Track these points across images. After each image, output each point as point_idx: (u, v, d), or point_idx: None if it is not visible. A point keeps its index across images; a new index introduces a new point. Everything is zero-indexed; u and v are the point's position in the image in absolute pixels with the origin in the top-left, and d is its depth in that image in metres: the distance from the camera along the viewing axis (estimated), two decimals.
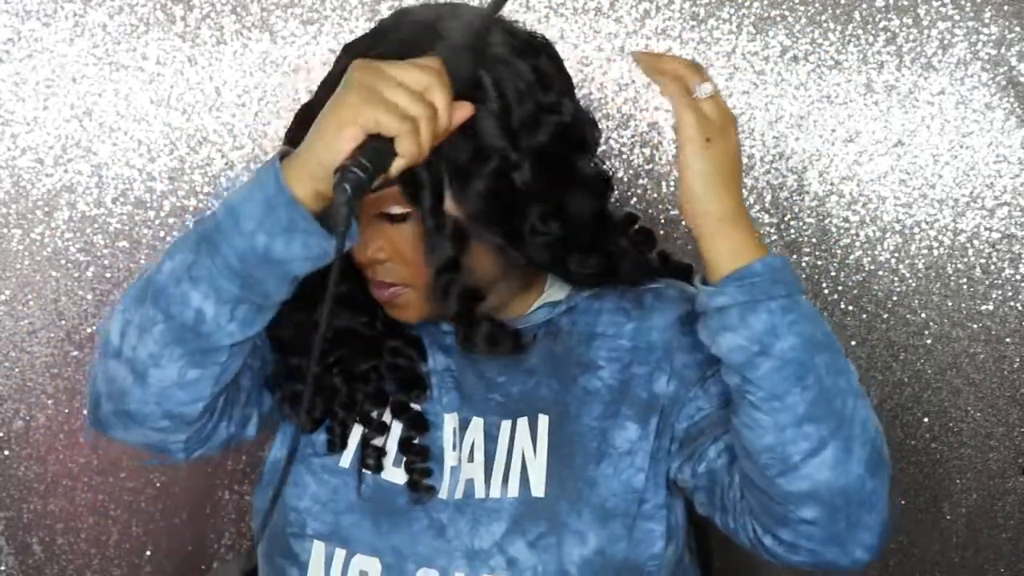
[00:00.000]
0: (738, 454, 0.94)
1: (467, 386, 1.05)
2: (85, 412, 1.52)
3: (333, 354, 1.05)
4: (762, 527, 0.94)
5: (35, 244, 1.45)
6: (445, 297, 0.99)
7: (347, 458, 1.04)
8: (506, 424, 1.03)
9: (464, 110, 0.87)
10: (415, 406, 1.04)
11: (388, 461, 1.03)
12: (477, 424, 1.03)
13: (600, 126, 1.42)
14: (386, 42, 0.96)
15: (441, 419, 1.04)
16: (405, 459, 1.02)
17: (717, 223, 0.91)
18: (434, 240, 0.96)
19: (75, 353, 1.48)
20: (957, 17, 1.41)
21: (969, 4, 1.40)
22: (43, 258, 1.46)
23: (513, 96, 0.96)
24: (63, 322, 1.47)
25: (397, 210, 0.97)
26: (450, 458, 1.03)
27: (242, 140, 1.43)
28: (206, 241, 0.87)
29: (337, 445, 1.04)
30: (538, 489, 1.00)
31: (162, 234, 1.45)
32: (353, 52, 0.97)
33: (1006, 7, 1.40)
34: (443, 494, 1.02)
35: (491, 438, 1.03)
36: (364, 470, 1.02)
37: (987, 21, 1.41)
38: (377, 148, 0.81)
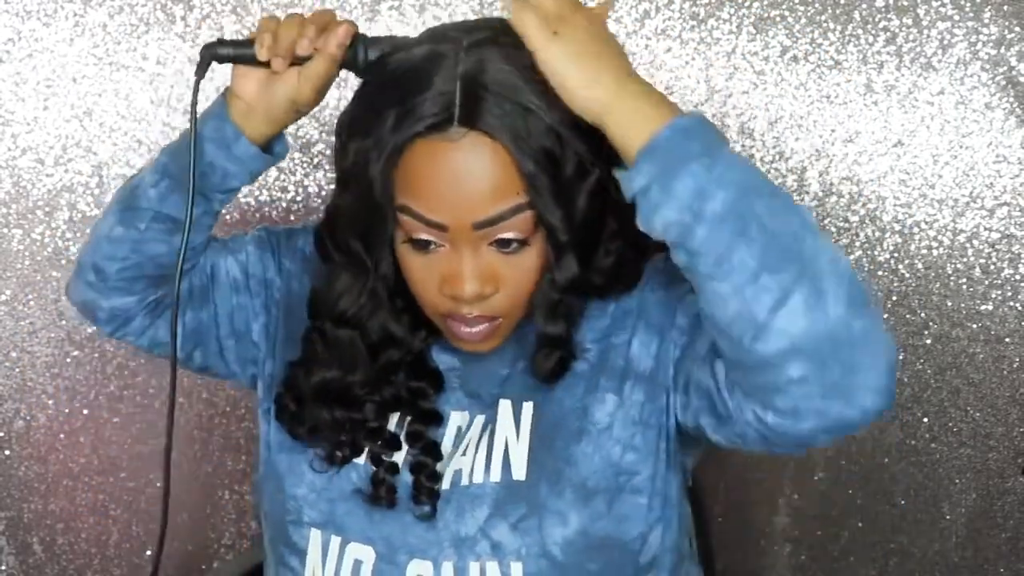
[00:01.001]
0: (714, 337, 0.89)
1: (473, 384, 1.04)
2: (85, 412, 1.52)
3: (378, 389, 1.03)
4: (761, 406, 0.87)
5: (36, 244, 1.45)
6: (553, 317, 0.97)
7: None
8: (491, 411, 1.02)
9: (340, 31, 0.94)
10: (429, 435, 1.02)
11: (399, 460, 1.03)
12: (479, 422, 1.02)
13: None
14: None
15: (447, 418, 1.03)
16: (413, 479, 1.00)
17: (608, 103, 0.86)
18: (564, 257, 0.94)
19: (75, 353, 1.48)
20: (957, 17, 1.41)
21: (969, 4, 1.40)
22: (43, 258, 1.46)
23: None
24: (63, 322, 1.47)
25: (516, 236, 0.93)
26: (449, 459, 1.02)
27: None
28: (171, 161, 1.02)
29: (338, 461, 1.02)
30: (519, 472, 0.99)
31: None
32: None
33: (1006, 7, 1.40)
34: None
35: (483, 429, 1.02)
36: (376, 487, 1.01)
37: (987, 21, 1.41)
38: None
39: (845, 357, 0.83)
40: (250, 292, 1.11)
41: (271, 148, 1.03)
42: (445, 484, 1.00)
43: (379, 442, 1.02)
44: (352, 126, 0.94)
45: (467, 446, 1.01)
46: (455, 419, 1.03)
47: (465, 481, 1.00)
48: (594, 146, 0.91)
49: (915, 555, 1.54)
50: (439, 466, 1.01)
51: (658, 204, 0.85)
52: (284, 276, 1.11)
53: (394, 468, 1.01)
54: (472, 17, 1.41)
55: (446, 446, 1.02)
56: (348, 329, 1.02)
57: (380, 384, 1.03)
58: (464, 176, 0.90)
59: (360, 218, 0.96)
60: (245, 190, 1.46)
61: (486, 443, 1.00)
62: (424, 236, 0.93)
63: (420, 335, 1.03)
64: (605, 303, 1.02)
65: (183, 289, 1.08)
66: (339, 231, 0.99)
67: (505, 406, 1.01)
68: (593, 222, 0.95)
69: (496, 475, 0.99)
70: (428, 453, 1.01)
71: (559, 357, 0.99)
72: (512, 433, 1.01)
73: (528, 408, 1.01)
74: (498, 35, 0.93)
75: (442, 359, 1.05)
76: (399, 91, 0.92)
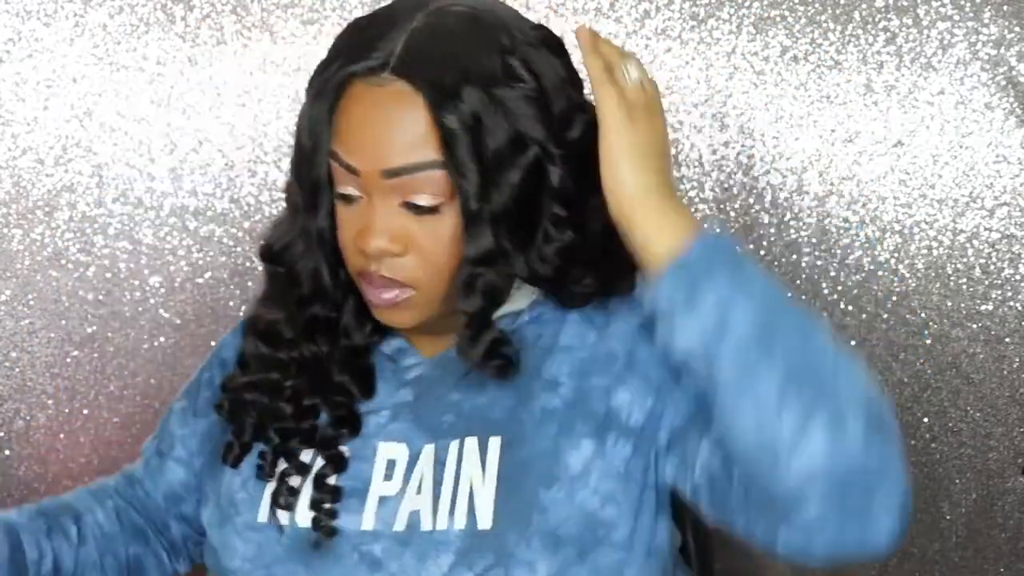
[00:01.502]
0: (730, 455, 0.87)
1: (424, 415, 0.98)
2: (85, 412, 1.52)
3: (293, 379, 1.00)
4: (771, 528, 0.84)
5: (36, 244, 1.45)
6: (468, 292, 0.93)
7: (263, 512, 0.98)
8: (454, 445, 0.95)
9: None
10: (342, 447, 0.98)
11: (304, 501, 0.97)
12: (428, 452, 0.96)
13: None
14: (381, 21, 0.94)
15: (372, 451, 0.97)
16: (311, 498, 0.96)
17: (642, 199, 0.87)
18: (475, 228, 0.90)
19: (75, 353, 1.48)
20: (957, 17, 1.41)
21: (969, 4, 1.40)
22: (44, 258, 1.46)
23: (549, 84, 0.93)
24: (63, 322, 1.47)
25: (428, 201, 0.91)
26: (380, 488, 0.96)
27: (242, 140, 1.44)
28: None
29: (267, 472, 0.99)
30: (485, 520, 0.92)
31: (162, 234, 1.45)
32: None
33: (1006, 7, 1.40)
34: (368, 525, 0.95)
35: (440, 463, 0.95)
36: (277, 509, 0.97)
37: (987, 21, 1.41)
38: None
39: (861, 493, 0.80)
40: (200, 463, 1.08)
41: None
42: (399, 526, 0.94)
43: (299, 437, 0.99)
44: (316, 69, 0.95)
45: (420, 483, 0.95)
46: (384, 451, 0.97)
47: (427, 525, 0.94)
48: (554, 132, 0.91)
49: (915, 555, 1.54)
50: (360, 499, 0.96)
51: (682, 322, 0.83)
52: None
53: (303, 467, 0.98)
54: None
55: (374, 477, 0.96)
56: (275, 265, 0.99)
57: (304, 342, 0.99)
58: (383, 121, 0.90)
59: (304, 160, 0.95)
60: (244, 189, 1.46)
61: (450, 484, 0.94)
62: (346, 189, 0.92)
63: (365, 329, 1.00)
64: (583, 332, 0.97)
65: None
66: (292, 175, 0.98)
67: (471, 444, 0.95)
68: (524, 201, 0.92)
69: (461, 522, 0.93)
70: (333, 461, 0.97)
71: (490, 345, 0.94)
72: (478, 473, 0.94)
73: (495, 444, 0.94)
74: (475, 10, 0.93)
75: (399, 394, 1.00)
76: (356, 38, 0.93)
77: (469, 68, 0.90)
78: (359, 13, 1.41)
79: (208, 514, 1.03)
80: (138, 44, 1.42)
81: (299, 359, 1.00)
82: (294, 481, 0.97)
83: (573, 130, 0.93)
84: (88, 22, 1.41)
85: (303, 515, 0.97)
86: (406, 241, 0.92)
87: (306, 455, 0.98)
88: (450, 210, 0.91)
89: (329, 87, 0.92)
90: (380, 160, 0.90)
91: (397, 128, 0.90)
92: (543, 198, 0.93)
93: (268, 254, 1.00)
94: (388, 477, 0.96)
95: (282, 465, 0.99)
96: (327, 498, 0.96)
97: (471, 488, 0.94)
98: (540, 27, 0.97)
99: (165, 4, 1.41)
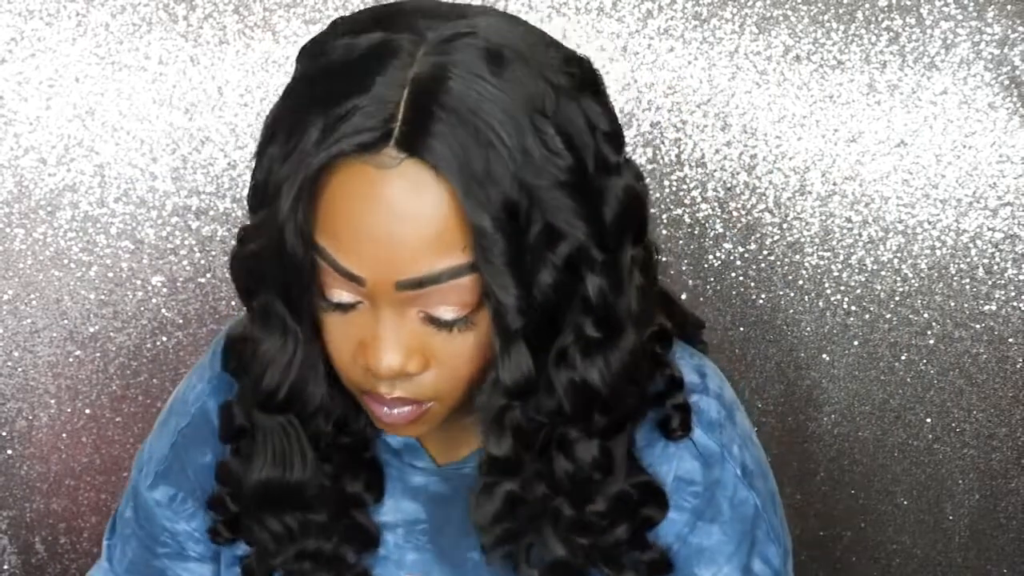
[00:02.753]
0: None
1: (443, 542, 0.85)
2: (87, 411, 1.52)
3: (298, 512, 0.84)
4: None
5: (38, 244, 1.45)
6: (497, 431, 0.75)
7: None
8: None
9: None
10: (361, 564, 0.85)
11: None
12: None
13: None
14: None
15: None
16: None
17: None
18: (512, 348, 0.71)
19: (78, 353, 1.48)
20: (960, 17, 1.41)
21: (972, 4, 1.40)
22: (46, 258, 1.46)
23: (589, 154, 0.72)
24: (66, 322, 1.48)
25: (454, 313, 0.71)
26: None
27: (244, 140, 1.44)
28: None
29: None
30: None
31: (164, 233, 1.45)
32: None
33: (1009, 7, 1.40)
34: None
35: None
36: None
37: (990, 21, 1.40)
38: None
39: None
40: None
41: None
42: None
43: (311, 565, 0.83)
44: (273, 128, 0.72)
45: None
46: None
47: None
48: (593, 225, 0.72)
49: (917, 555, 1.53)
50: None
51: None
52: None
53: None
54: None
55: None
56: (279, 415, 0.80)
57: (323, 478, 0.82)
58: (393, 217, 0.68)
59: (277, 264, 0.72)
60: (247, 189, 1.46)
61: None
62: (340, 296, 0.72)
63: (365, 416, 0.83)
64: None
65: None
66: (252, 283, 0.76)
67: None
68: (556, 308, 0.72)
69: None
70: None
71: (507, 496, 0.77)
72: None
73: None
74: (485, 31, 0.71)
75: (403, 507, 0.87)
76: (331, 91, 0.68)
77: (499, 139, 0.68)
78: None
79: None
80: (140, 44, 1.42)
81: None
82: None
83: (607, 210, 0.74)
84: (90, 22, 1.41)
85: None
86: (426, 357, 0.73)
87: None
88: (478, 318, 0.72)
89: (305, 165, 0.68)
90: (393, 269, 0.69)
91: (413, 225, 0.68)
92: (572, 311, 0.74)
93: (271, 403, 0.79)
94: None
95: None
96: None
97: None
98: (572, 59, 0.75)
99: (167, 4, 1.41)
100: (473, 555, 0.83)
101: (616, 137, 0.75)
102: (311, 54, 0.73)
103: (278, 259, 0.71)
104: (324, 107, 0.68)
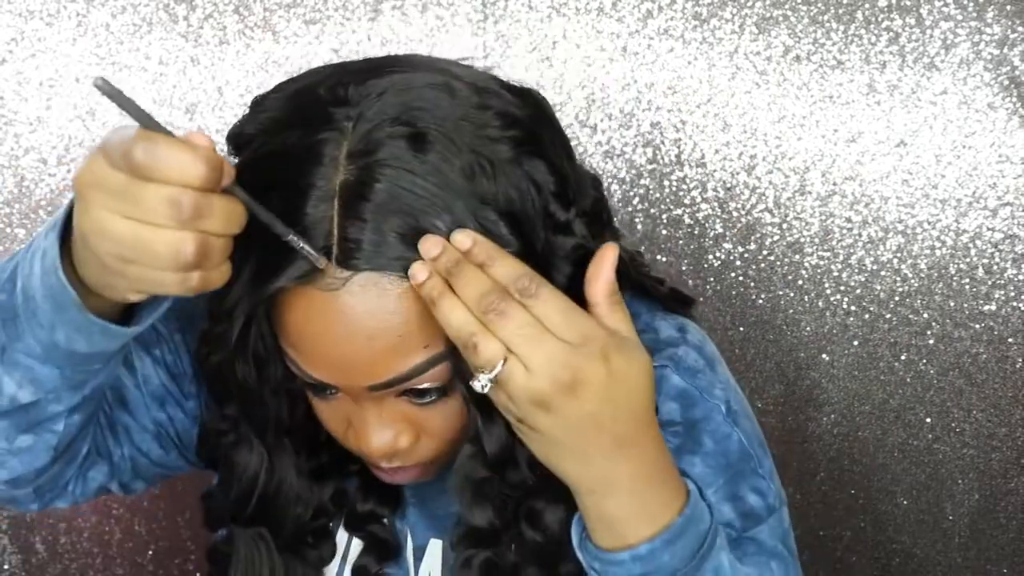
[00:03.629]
0: None
1: (428, 500, 0.87)
2: None
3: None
4: None
5: None
6: (478, 504, 0.76)
7: None
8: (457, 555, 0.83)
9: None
10: (383, 523, 0.87)
11: None
12: (435, 548, 0.87)
13: (603, 126, 1.43)
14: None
15: (406, 540, 0.87)
16: None
17: (591, 486, 0.69)
18: (491, 424, 0.72)
19: None
20: (960, 17, 1.41)
21: (972, 4, 1.40)
22: None
23: (536, 232, 0.70)
24: None
25: (432, 385, 0.71)
26: None
27: None
28: (10, 322, 0.69)
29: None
30: None
31: None
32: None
33: (1009, 7, 1.40)
34: None
35: (447, 566, 0.85)
36: None
37: (990, 21, 1.41)
38: None
39: None
40: (183, 395, 0.86)
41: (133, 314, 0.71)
42: None
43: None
44: None
45: None
46: (408, 544, 0.87)
47: None
48: (540, 266, 0.69)
49: (917, 555, 1.54)
50: None
51: None
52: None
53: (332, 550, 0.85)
54: (475, 17, 1.41)
55: None
56: (252, 527, 0.82)
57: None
58: (351, 333, 0.67)
59: (239, 381, 0.74)
60: None
61: None
62: (316, 383, 0.73)
63: (323, 492, 0.86)
64: None
65: (77, 451, 0.81)
66: (220, 392, 0.78)
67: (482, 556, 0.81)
68: None
69: None
70: (381, 553, 0.85)
71: (485, 565, 0.77)
72: None
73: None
74: (408, 107, 0.68)
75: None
76: (262, 219, 0.65)
77: (431, 226, 0.66)
78: (361, 13, 1.41)
79: None
80: (141, 44, 1.42)
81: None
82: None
83: (557, 272, 0.72)
84: (91, 22, 1.41)
85: None
86: (415, 430, 0.75)
87: (340, 536, 0.89)
88: (454, 386, 0.73)
89: (251, 297, 0.68)
90: (363, 377, 0.70)
91: (372, 339, 0.68)
92: None
93: (260, 515, 0.82)
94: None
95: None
96: None
97: None
98: (510, 115, 0.71)
99: (167, 4, 1.41)
100: (452, 509, 0.84)
101: (564, 192, 0.73)
102: (239, 150, 0.73)
103: (242, 372, 0.73)
104: (261, 238, 0.66)
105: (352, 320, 0.67)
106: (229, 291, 0.68)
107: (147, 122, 0.60)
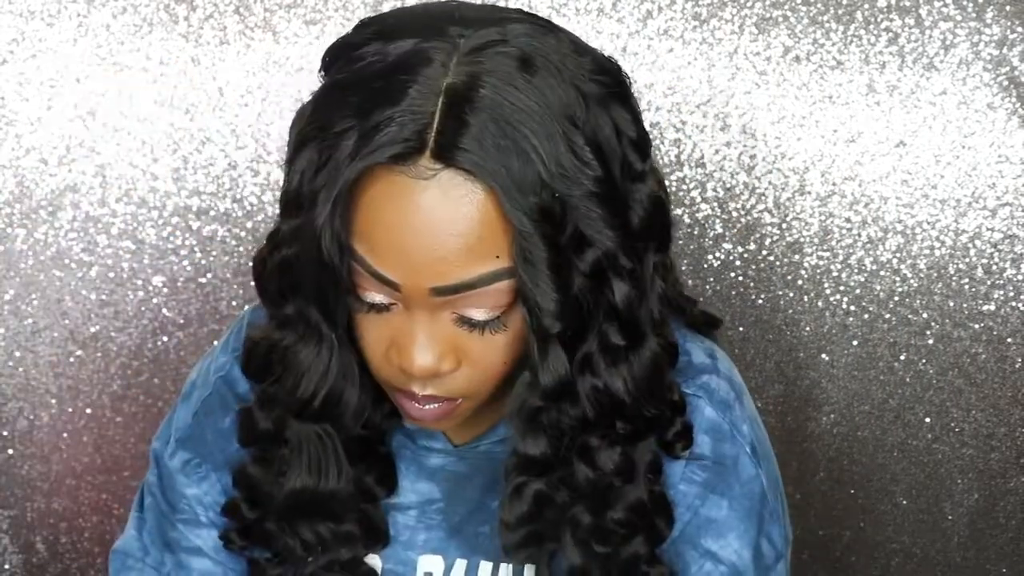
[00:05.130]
0: None
1: (455, 518, 0.87)
2: (88, 411, 1.52)
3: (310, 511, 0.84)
4: None
5: (39, 244, 1.46)
6: (532, 433, 0.76)
7: None
8: (485, 569, 0.85)
9: None
10: (374, 559, 0.86)
11: None
12: (460, 568, 0.86)
13: None
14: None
15: (412, 568, 0.87)
16: None
17: None
18: (550, 351, 0.73)
19: (79, 352, 1.49)
20: (959, 18, 1.41)
21: (971, 5, 1.40)
22: (47, 258, 1.46)
23: (616, 163, 0.74)
24: (67, 322, 1.48)
25: (488, 315, 0.72)
26: None
27: (245, 140, 1.44)
28: None
29: None
30: None
31: (165, 233, 1.45)
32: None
33: (1008, 8, 1.40)
34: None
35: None
36: None
37: (989, 22, 1.41)
38: None
39: None
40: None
41: None
42: None
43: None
44: (304, 136, 0.72)
45: None
46: (424, 565, 0.87)
47: None
48: (621, 233, 0.73)
49: (917, 555, 1.54)
50: None
51: None
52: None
53: None
54: None
55: None
56: (315, 424, 0.80)
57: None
58: (430, 227, 0.69)
59: (311, 272, 0.73)
60: (247, 189, 1.46)
61: None
62: (374, 298, 0.73)
63: (384, 409, 0.84)
64: None
65: None
66: (285, 288, 0.76)
67: (506, 572, 0.84)
68: (584, 314, 0.74)
69: None
70: None
71: (536, 496, 0.78)
72: None
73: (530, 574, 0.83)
74: (517, 36, 0.72)
75: (418, 488, 0.88)
76: (364, 100, 0.69)
77: (532, 149, 0.69)
78: (362, 14, 1.41)
79: None
80: (141, 44, 1.42)
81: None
82: None
83: (632, 220, 0.75)
84: (91, 22, 1.41)
85: None
86: (458, 356, 0.75)
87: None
88: (510, 319, 0.74)
89: (341, 175, 0.69)
90: (429, 276, 0.70)
91: (449, 235, 0.69)
92: (597, 317, 0.75)
93: (309, 412, 0.79)
94: None
95: None
96: None
97: None
98: (602, 66, 0.77)
99: (168, 4, 1.41)
100: (483, 529, 0.85)
101: (642, 144, 0.77)
102: (341, 59, 0.73)
103: (314, 266, 0.72)
104: (358, 117, 0.69)
105: (435, 213, 0.68)
106: (315, 176, 0.70)
107: None
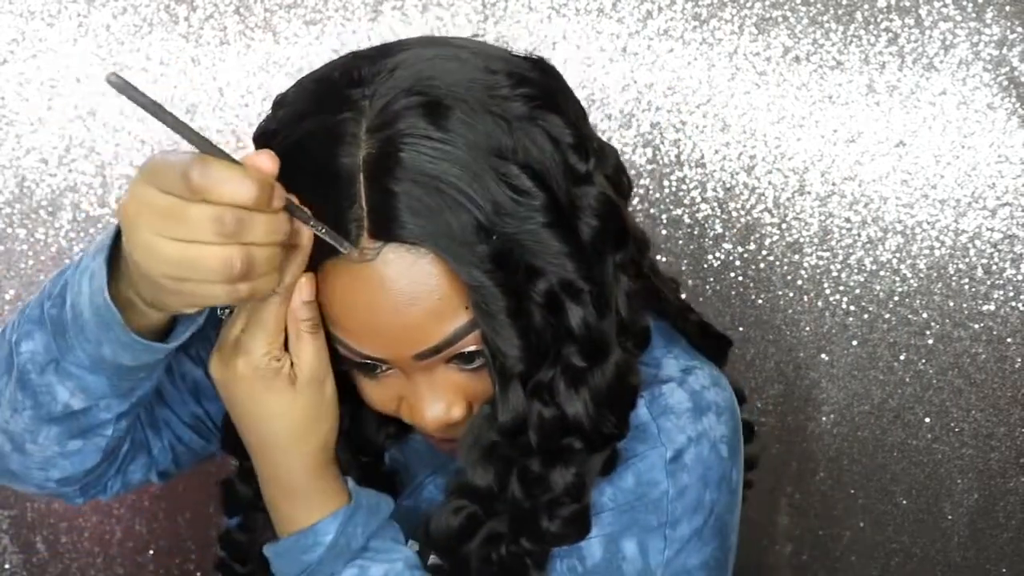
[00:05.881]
0: None
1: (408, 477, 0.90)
2: None
3: None
4: None
5: (39, 244, 1.46)
6: (483, 464, 0.77)
7: None
8: None
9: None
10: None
11: None
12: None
13: (602, 126, 1.43)
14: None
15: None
16: None
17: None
18: (510, 390, 0.73)
19: None
20: (959, 18, 1.41)
21: (971, 5, 1.40)
22: (47, 258, 1.46)
23: (557, 181, 0.72)
24: None
25: (476, 348, 0.73)
26: None
27: (245, 140, 1.44)
28: (60, 335, 0.74)
29: None
30: None
31: None
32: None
33: (1008, 8, 1.40)
34: None
35: None
36: None
37: (989, 22, 1.41)
38: None
39: None
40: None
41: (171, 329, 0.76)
42: None
43: None
44: None
45: None
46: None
47: None
48: (566, 244, 0.71)
49: (917, 555, 1.54)
50: None
51: None
52: None
53: None
54: (475, 17, 1.41)
55: None
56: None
57: None
58: (390, 302, 0.70)
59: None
60: None
61: None
62: (364, 360, 0.75)
63: (386, 429, 0.87)
64: None
65: (119, 449, 0.87)
66: None
67: None
68: (545, 341, 0.73)
69: None
70: None
71: (468, 518, 0.78)
72: None
73: None
74: (420, 78, 0.70)
75: (437, 457, 0.88)
76: (295, 191, 0.67)
77: (465, 197, 0.68)
78: (361, 14, 1.41)
79: None
80: (141, 44, 1.42)
81: None
82: None
83: (582, 227, 0.73)
84: (92, 22, 1.42)
85: None
86: (467, 400, 0.76)
87: None
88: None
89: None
90: (408, 345, 0.72)
91: (411, 304, 0.70)
92: (556, 343, 0.74)
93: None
94: None
95: None
96: None
97: None
98: (521, 75, 0.74)
99: (168, 5, 1.41)
100: (429, 485, 0.87)
101: (582, 144, 0.75)
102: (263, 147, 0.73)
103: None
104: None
105: (391, 288, 0.69)
106: None
107: (161, 115, 0.61)
